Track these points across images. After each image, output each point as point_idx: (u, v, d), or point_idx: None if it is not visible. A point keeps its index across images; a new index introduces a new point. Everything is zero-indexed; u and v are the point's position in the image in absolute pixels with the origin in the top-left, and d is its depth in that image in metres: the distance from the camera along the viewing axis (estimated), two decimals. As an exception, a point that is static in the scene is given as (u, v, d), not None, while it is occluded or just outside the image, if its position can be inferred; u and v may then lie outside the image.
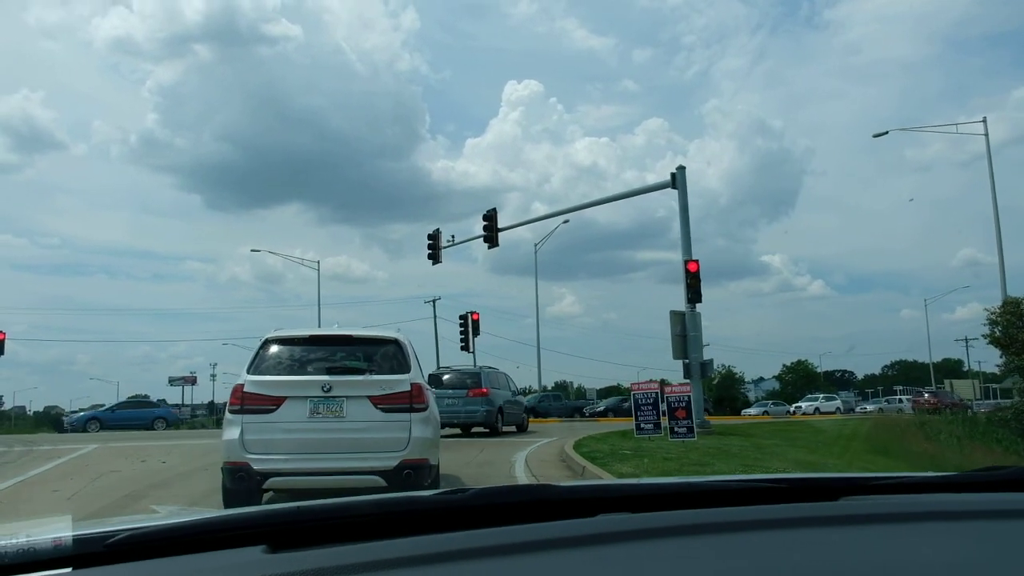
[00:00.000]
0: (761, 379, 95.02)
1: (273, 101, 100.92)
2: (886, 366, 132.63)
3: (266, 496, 6.73)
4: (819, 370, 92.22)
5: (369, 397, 6.56)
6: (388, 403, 6.56)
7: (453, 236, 26.68)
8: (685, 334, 17.72)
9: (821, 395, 62.73)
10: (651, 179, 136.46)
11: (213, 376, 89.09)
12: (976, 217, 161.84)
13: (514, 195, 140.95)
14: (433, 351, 50.89)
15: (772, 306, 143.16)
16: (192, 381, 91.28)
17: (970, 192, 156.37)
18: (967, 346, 79.12)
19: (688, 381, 16.48)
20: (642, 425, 14.79)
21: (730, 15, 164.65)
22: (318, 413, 6.50)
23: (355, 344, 7.24)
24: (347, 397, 6.52)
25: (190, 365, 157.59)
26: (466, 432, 18.58)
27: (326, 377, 6.63)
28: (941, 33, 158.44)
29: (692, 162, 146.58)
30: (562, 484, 1.37)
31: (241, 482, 6.36)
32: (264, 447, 6.39)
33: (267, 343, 6.95)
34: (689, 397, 14.38)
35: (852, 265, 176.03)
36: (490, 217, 24.05)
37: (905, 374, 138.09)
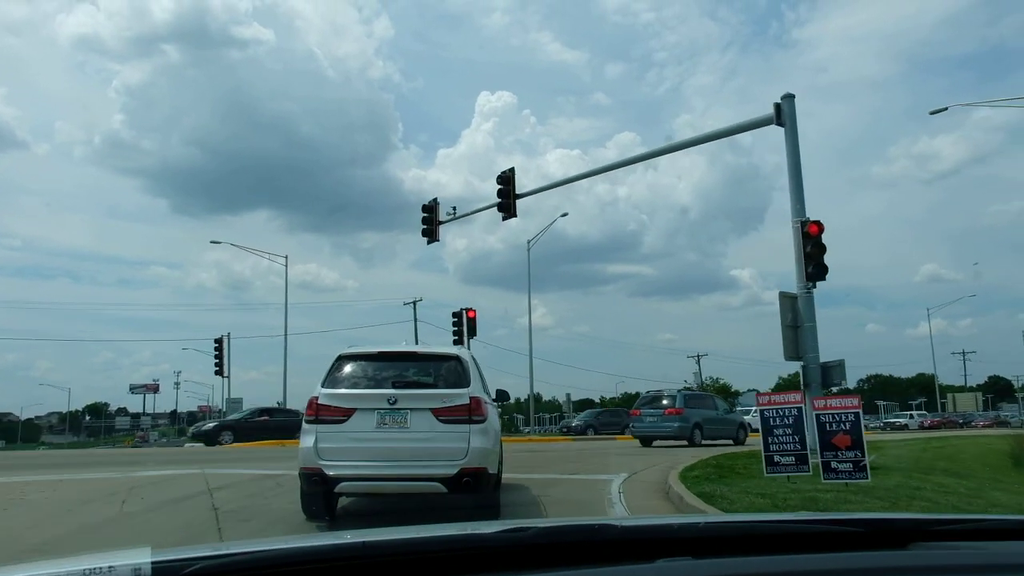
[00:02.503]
0: (752, 391, 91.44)
1: (243, 105, 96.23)
2: (861, 380, 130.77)
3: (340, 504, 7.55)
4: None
5: (431, 409, 7.00)
6: (448, 415, 6.98)
7: (455, 208, 21.37)
8: (798, 324, 12.61)
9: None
10: (622, 193, 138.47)
11: (177, 384, 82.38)
12: (939, 234, 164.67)
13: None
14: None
15: (742, 320, 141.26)
16: (154, 389, 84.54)
17: (933, 209, 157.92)
18: (964, 359, 75.45)
19: (814, 388, 11.40)
20: (778, 459, 9.61)
21: (701, 33, 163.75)
22: (385, 424, 6.97)
23: (419, 360, 7.90)
24: (411, 409, 6.98)
25: (154, 372, 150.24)
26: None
27: (392, 391, 7.09)
28: (906, 53, 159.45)
29: (663, 176, 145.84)
30: (623, 522, 1.41)
31: (315, 486, 6.97)
32: (336, 454, 6.88)
33: (340, 359, 7.49)
34: (856, 416, 9.23)
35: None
36: (506, 180, 18.77)
37: (882, 388, 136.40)
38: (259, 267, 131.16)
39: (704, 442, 21.67)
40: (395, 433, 6.88)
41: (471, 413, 6.94)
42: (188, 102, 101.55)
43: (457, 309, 28.84)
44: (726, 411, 25.10)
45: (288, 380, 40.89)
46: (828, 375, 12.55)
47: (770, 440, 9.70)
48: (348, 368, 7.39)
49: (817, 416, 9.35)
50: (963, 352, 73.30)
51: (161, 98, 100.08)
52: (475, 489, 6.80)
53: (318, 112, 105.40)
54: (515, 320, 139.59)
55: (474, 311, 28.68)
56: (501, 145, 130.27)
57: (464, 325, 28.38)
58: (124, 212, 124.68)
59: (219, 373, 40.74)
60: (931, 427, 56.97)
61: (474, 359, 7.92)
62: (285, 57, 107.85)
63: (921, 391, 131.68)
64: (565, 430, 41.89)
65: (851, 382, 67.81)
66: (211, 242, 52.52)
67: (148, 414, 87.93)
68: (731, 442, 22.73)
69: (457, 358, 7.48)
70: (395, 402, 6.93)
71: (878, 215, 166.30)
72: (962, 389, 75.24)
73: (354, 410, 6.95)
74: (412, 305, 49.55)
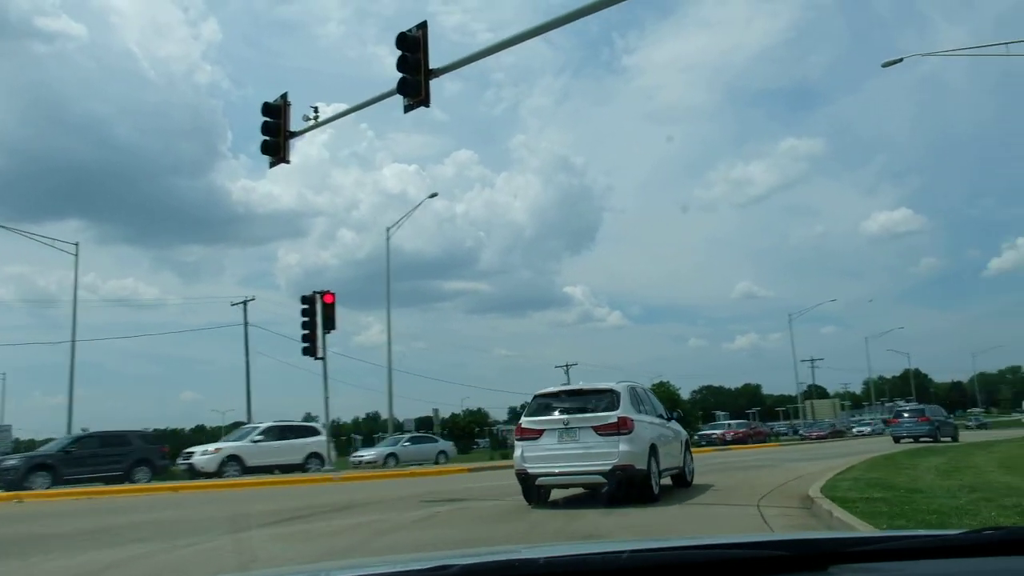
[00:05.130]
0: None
1: (49, 103, 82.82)
2: (694, 391, 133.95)
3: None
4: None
5: (592, 427, 10.13)
6: (604, 430, 10.05)
7: (316, 109, 13.42)
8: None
9: (729, 420, 55.23)
10: (460, 209, 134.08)
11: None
12: (751, 253, 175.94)
13: (320, 220, 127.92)
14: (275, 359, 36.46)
15: (574, 336, 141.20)
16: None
17: (747, 231, 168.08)
18: (812, 367, 76.09)
19: None
20: None
21: (537, 56, 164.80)
22: (563, 439, 10.22)
23: (585, 394, 10.90)
24: (579, 428, 10.19)
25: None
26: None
27: (566, 416, 10.38)
28: (723, 84, 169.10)
29: (499, 194, 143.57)
30: (546, 554, 1.40)
31: (524, 481, 10.41)
32: (534, 460, 10.29)
33: (535, 397, 11.12)
34: None
35: (647, 296, 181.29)
36: (413, 43, 11.25)
37: (714, 398, 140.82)
38: (65, 282, 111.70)
39: (942, 439, 32.59)
40: (569, 445, 10.16)
41: (619, 428, 10.02)
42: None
43: (308, 294, 20.55)
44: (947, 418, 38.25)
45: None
46: None
47: None
48: (539, 403, 10.91)
49: None
50: (812, 360, 73.29)
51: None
52: (625, 479, 9.94)
53: (137, 115, 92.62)
54: (351, 338, 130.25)
55: (332, 295, 20.57)
56: (337, 158, 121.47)
57: (318, 315, 20.20)
58: None
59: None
60: (737, 440, 42.90)
61: (631, 389, 11.08)
62: (99, 54, 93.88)
63: (749, 401, 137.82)
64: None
65: (684, 393, 65.26)
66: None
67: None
68: (950, 439, 32.94)
69: (611, 390, 10.68)
70: (568, 424, 10.26)
71: (698, 236, 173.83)
72: (810, 397, 75.48)
73: (543, 431, 10.37)
74: (242, 305, 40.31)
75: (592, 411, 10.30)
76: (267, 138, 13.23)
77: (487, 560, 1.34)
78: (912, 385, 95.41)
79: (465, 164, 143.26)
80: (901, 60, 24.08)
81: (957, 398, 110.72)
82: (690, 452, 13.31)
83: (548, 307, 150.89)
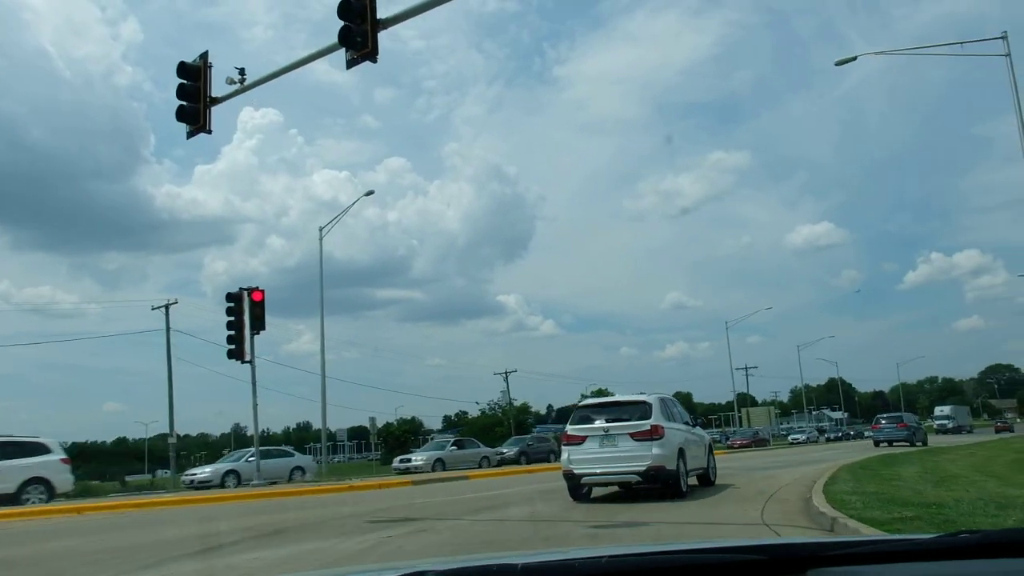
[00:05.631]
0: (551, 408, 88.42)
1: None
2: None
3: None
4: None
5: (629, 433, 11.61)
6: (639, 436, 11.54)
7: (242, 71, 11.58)
8: None
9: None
10: (392, 217, 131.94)
11: None
12: (681, 264, 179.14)
13: (249, 227, 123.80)
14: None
15: (507, 344, 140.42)
16: None
17: (676, 242, 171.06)
18: (747, 375, 76.70)
19: None
20: None
21: (469, 65, 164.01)
22: (603, 444, 11.71)
23: (622, 405, 12.43)
24: (617, 434, 11.67)
25: None
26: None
27: (606, 424, 11.86)
28: (652, 98, 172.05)
29: (432, 202, 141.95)
30: (524, 560, 1.39)
31: (571, 480, 11.88)
32: (579, 463, 11.78)
33: (577, 408, 13.05)
34: None
35: (579, 306, 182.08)
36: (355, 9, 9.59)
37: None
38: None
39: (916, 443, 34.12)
40: (609, 449, 11.63)
41: (652, 434, 11.48)
42: None
43: (235, 290, 18.46)
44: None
45: None
46: None
47: None
48: (581, 413, 12.49)
49: None
50: (745, 368, 73.82)
51: None
52: (659, 478, 11.41)
53: (52, 116, 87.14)
54: (279, 347, 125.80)
55: (261, 292, 18.54)
56: (265, 164, 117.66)
57: (246, 314, 18.14)
58: None
59: None
60: None
61: (661, 400, 12.58)
62: (9, 52, 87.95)
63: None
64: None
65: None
66: None
67: None
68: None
69: (644, 402, 12.16)
70: (608, 431, 11.74)
71: (629, 246, 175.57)
72: (745, 404, 76.07)
73: (586, 437, 11.87)
74: (164, 309, 37.51)
75: (628, 420, 11.78)
76: (184, 103, 11.31)
77: (462, 566, 1.36)
78: (840, 393, 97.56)
79: (397, 171, 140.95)
80: (855, 58, 23.72)
81: (880, 406, 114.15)
82: (713, 454, 14.78)
83: (481, 316, 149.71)
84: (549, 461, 30.90)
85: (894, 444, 33.37)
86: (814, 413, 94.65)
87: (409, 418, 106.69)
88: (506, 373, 63.90)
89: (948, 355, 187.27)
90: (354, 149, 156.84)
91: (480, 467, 30.87)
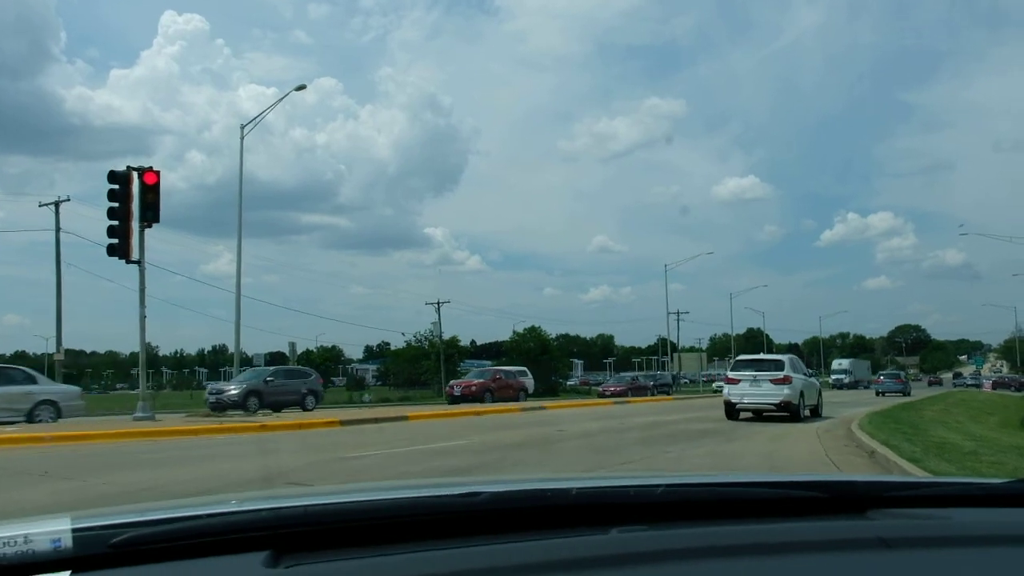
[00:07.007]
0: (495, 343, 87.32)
1: None
2: (552, 339, 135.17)
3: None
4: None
5: (769, 379, 17.51)
6: (776, 382, 17.42)
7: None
8: None
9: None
10: (321, 140, 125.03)
11: None
12: (610, 208, 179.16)
13: (168, 139, 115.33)
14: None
15: (431, 277, 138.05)
16: None
17: (607, 185, 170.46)
18: (679, 320, 76.57)
19: None
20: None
21: None
22: (752, 384, 17.67)
23: (766, 362, 18.77)
24: (762, 379, 17.58)
25: None
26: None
27: (754, 372, 17.95)
28: (593, 36, 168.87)
29: (363, 128, 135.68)
30: (578, 486, 1.34)
31: (729, 407, 18.10)
32: (735, 395, 17.97)
33: (736, 361, 20.48)
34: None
35: (507, 243, 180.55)
36: None
37: (571, 345, 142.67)
38: None
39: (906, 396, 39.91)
40: (756, 389, 17.57)
41: (784, 381, 17.38)
42: None
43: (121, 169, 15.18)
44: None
45: None
46: None
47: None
48: (738, 363, 19.36)
49: None
50: (678, 312, 73.46)
51: None
52: (787, 408, 17.26)
53: None
54: (198, 267, 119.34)
55: (156, 173, 15.36)
56: (188, 73, 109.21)
57: (134, 199, 14.98)
58: None
59: None
60: (618, 394, 39.42)
61: (791, 358, 19.39)
62: None
63: (602, 351, 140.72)
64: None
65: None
66: None
67: None
68: None
69: (780, 359, 18.76)
70: (756, 378, 17.67)
71: (560, 187, 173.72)
72: (665, 351, 76.09)
73: (740, 379, 17.90)
74: (54, 207, 33.53)
75: (768, 371, 17.78)
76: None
77: (517, 489, 1.34)
78: (762, 343, 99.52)
79: (328, 93, 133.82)
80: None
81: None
82: (821, 395, 20.82)
83: (408, 247, 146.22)
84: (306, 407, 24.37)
85: (886, 395, 40.45)
86: (731, 361, 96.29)
87: (330, 346, 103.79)
88: (438, 304, 61.15)
89: (861, 313, 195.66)
90: (284, 65, 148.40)
91: (32, 420, 16.68)
